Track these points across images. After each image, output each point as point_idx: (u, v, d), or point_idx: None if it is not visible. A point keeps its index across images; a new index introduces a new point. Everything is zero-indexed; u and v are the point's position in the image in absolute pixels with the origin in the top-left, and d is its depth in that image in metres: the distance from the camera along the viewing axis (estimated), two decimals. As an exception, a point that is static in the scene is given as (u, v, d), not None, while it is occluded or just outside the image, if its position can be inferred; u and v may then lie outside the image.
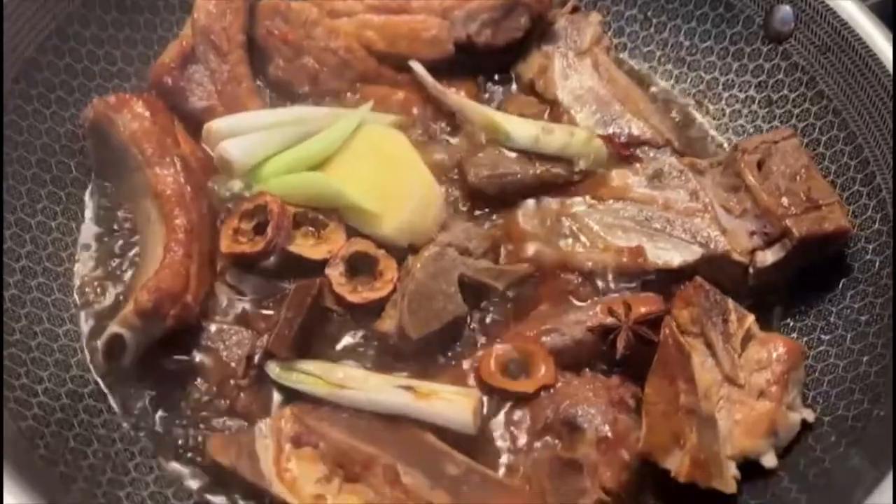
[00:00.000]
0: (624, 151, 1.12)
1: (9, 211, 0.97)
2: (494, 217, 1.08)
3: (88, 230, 1.04)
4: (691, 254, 1.01)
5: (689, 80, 1.26)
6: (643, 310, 0.95)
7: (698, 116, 1.24)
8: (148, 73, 1.12)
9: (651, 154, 1.11)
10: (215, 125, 1.04)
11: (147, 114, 1.04)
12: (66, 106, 1.08)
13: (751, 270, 1.01)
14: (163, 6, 1.17)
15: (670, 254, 1.01)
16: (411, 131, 1.15)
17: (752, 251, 1.01)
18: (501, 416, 0.91)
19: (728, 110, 1.23)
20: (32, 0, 1.03)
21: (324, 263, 0.98)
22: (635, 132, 1.13)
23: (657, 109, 1.19)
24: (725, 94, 1.23)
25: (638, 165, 1.10)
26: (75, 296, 0.99)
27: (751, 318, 0.93)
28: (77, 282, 1.00)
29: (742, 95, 1.22)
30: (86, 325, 0.97)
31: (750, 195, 1.02)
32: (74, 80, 1.09)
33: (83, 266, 1.01)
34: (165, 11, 1.18)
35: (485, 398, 0.92)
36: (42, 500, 0.69)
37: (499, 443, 0.90)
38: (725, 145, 1.20)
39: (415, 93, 1.20)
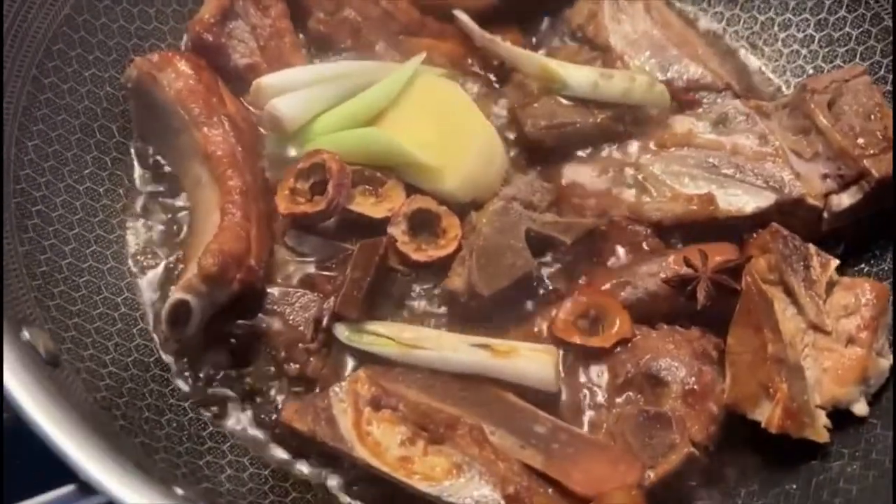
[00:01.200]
0: (685, 96, 1.08)
1: (58, 178, 0.94)
2: (556, 168, 1.04)
3: (137, 196, 1.01)
4: (764, 199, 0.97)
5: (741, 21, 1.22)
6: (720, 258, 0.92)
7: (753, 59, 1.19)
8: (186, 30, 1.08)
9: (713, 98, 1.08)
10: (263, 82, 1.00)
11: (192, 72, 1.00)
12: (105, 67, 1.03)
13: (825, 215, 0.97)
14: (197, -39, 1.12)
15: (742, 200, 0.98)
16: (461, 83, 1.11)
17: (827, 195, 0.98)
18: (580, 372, 0.89)
19: (786, 51, 1.18)
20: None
21: (385, 222, 0.95)
22: (695, 76, 1.10)
23: (714, 53, 1.15)
24: (782, 35, 1.19)
25: (700, 110, 1.06)
26: (130, 263, 0.96)
27: (835, 262, 0.90)
28: (131, 249, 0.96)
29: (800, 35, 1.17)
30: (144, 294, 0.94)
31: (822, 137, 0.98)
32: (111, 41, 1.05)
33: (135, 233, 0.98)
34: (200, -34, 1.12)
35: (560, 354, 0.89)
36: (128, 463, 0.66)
37: (579, 399, 0.87)
38: (784, 88, 1.16)
39: (461, 44, 1.15)
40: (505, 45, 1.11)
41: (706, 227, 0.99)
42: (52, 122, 0.95)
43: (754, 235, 0.96)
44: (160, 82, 0.99)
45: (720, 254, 0.93)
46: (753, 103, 1.05)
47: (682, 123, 1.05)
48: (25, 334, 0.71)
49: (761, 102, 1.06)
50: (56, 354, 0.75)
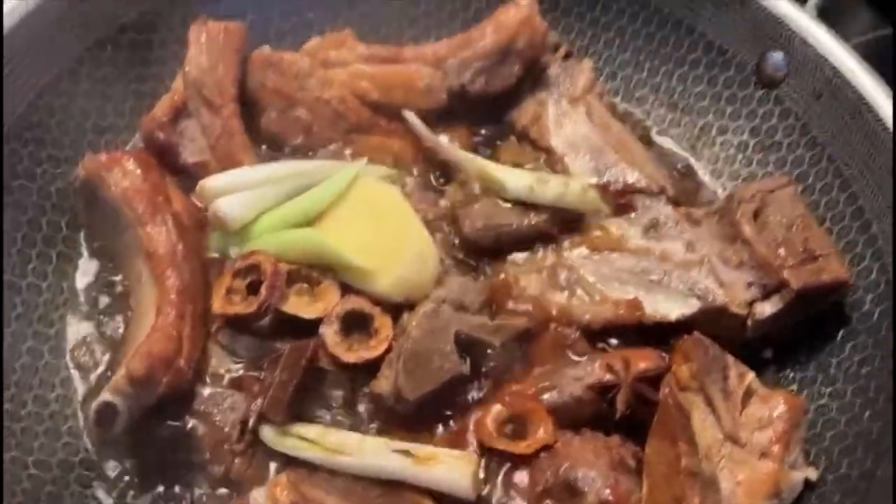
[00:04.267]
0: (619, 199, 1.11)
1: (-1, 273, 0.96)
2: (489, 269, 1.07)
3: (79, 290, 1.03)
4: (689, 307, 1.00)
5: (682, 124, 1.26)
6: (642, 366, 0.94)
7: (692, 161, 1.24)
8: (140, 127, 1.12)
9: (646, 203, 1.11)
10: (208, 183, 1.03)
11: (138, 171, 1.03)
12: (58, 163, 1.07)
13: (749, 322, 1.00)
14: (154, 59, 1.17)
15: (668, 307, 1.00)
16: (405, 182, 1.15)
17: (751, 303, 1.00)
18: (500, 479, 0.90)
19: (722, 155, 1.23)
20: (23, 58, 1.02)
21: (318, 322, 0.97)
22: (630, 180, 1.13)
23: (651, 157, 1.19)
24: (719, 140, 1.23)
25: (633, 215, 1.09)
26: (67, 358, 0.97)
27: (751, 374, 0.92)
28: (69, 344, 0.98)
29: (736, 141, 1.22)
30: (78, 389, 0.95)
31: (747, 246, 1.02)
32: (66, 137, 1.08)
33: (74, 328, 1.00)
34: (156, 65, 1.17)
35: (483, 460, 0.90)
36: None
37: (498, 506, 0.88)
38: (720, 192, 1.20)
39: (409, 142, 1.19)
40: (448, 147, 1.15)
41: (634, 331, 1.01)
42: (-2, 218, 0.98)
43: (680, 341, 0.98)
44: (107, 181, 1.02)
45: (644, 360, 0.95)
46: (684, 210, 1.09)
47: (615, 227, 1.09)
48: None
49: (692, 210, 1.09)
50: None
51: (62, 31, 1.06)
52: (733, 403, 0.90)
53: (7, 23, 1.00)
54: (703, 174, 1.23)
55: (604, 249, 1.06)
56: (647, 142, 1.24)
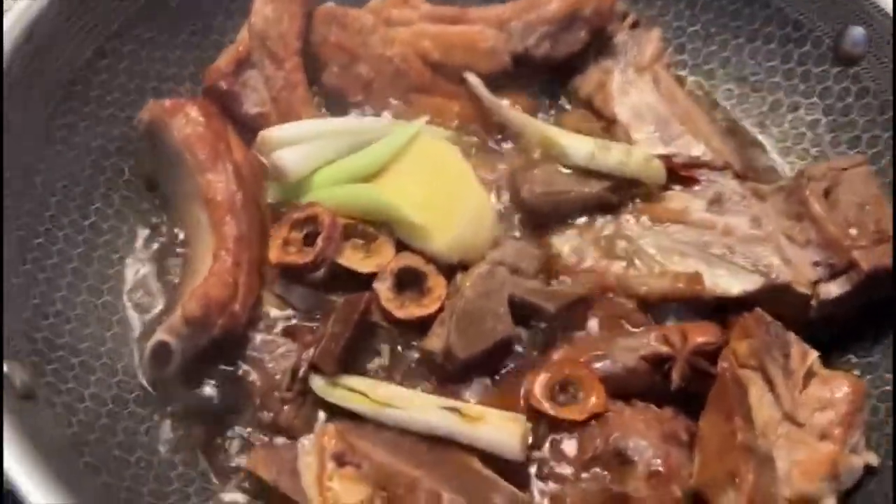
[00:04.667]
0: (683, 172, 1.08)
1: (63, 213, 0.98)
2: (547, 235, 1.05)
3: (140, 233, 1.05)
4: (751, 283, 0.97)
5: (751, 100, 1.23)
6: (700, 339, 0.92)
7: (760, 138, 1.20)
8: (203, 76, 1.12)
9: (711, 177, 1.08)
10: (269, 134, 1.03)
11: (201, 118, 1.03)
12: (122, 108, 1.08)
13: (813, 303, 0.97)
14: (221, 11, 1.17)
15: (729, 281, 0.98)
16: (465, 144, 1.14)
17: (816, 283, 0.97)
18: (548, 443, 0.89)
19: (792, 133, 1.19)
20: (94, 3, 1.03)
21: (372, 277, 0.97)
22: (695, 153, 1.10)
23: (718, 130, 1.16)
24: (790, 117, 1.19)
25: (697, 188, 1.07)
26: (125, 299, 0.99)
27: (814, 354, 0.89)
28: (127, 286, 0.99)
29: (808, 118, 1.18)
30: (134, 329, 0.97)
31: (815, 225, 0.98)
32: (131, 83, 1.09)
33: (133, 269, 1.01)
34: (223, 16, 1.17)
35: (531, 424, 0.89)
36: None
37: (545, 470, 0.87)
38: (788, 169, 1.16)
39: (469, 105, 1.18)
40: (510, 111, 1.14)
41: (692, 304, 0.99)
42: (63, 158, 0.99)
43: (741, 317, 0.96)
44: (170, 127, 1.03)
45: (701, 334, 0.93)
46: (750, 185, 1.06)
47: (677, 200, 1.06)
48: (4, 368, 0.74)
49: (758, 185, 1.06)
50: (32, 388, 0.78)
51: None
52: (794, 383, 0.88)
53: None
54: (772, 151, 1.19)
55: (665, 221, 1.04)
56: (714, 116, 1.20)
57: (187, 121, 1.03)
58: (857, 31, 1.11)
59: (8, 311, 0.83)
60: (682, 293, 0.98)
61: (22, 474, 0.66)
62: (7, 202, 0.89)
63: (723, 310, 0.97)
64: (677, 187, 1.07)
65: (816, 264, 0.98)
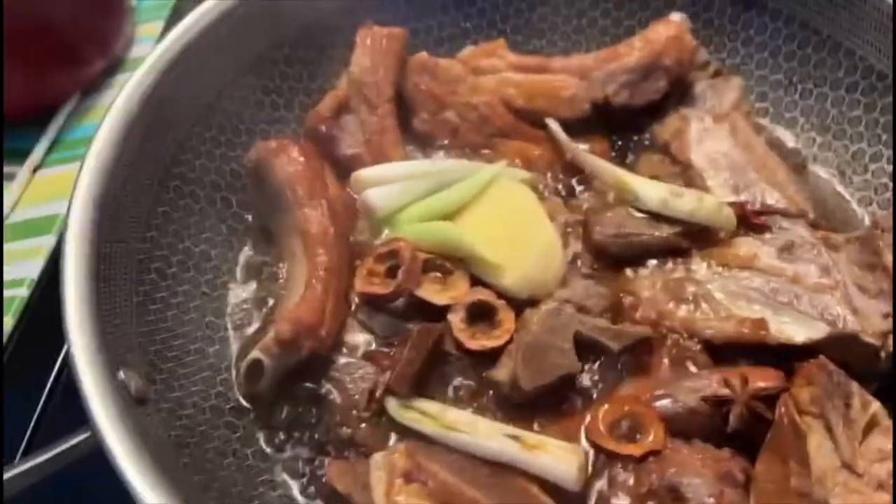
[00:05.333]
0: (755, 219, 1.10)
1: (178, 239, 1.10)
2: (616, 276, 1.10)
3: (243, 260, 1.16)
4: (817, 331, 0.98)
5: (833, 148, 1.23)
6: (761, 384, 0.94)
7: (840, 187, 1.20)
8: (305, 120, 1.24)
9: (783, 224, 1.09)
10: (362, 174, 1.13)
11: (301, 158, 1.14)
12: (234, 147, 1.21)
13: (882, 354, 0.97)
14: (325, 59, 1.29)
15: (795, 329, 0.99)
16: (541, 186, 1.20)
17: (886, 333, 0.97)
18: (607, 476, 0.93)
19: (874, 183, 1.19)
20: (214, 54, 1.16)
21: (447, 308, 1.04)
22: (769, 201, 1.12)
23: (794, 178, 1.17)
24: (872, 167, 1.20)
25: (768, 235, 1.09)
26: (226, 319, 1.10)
27: (876, 404, 0.90)
28: (229, 308, 1.11)
29: (890, 169, 1.18)
30: (233, 347, 1.07)
31: (886, 275, 0.99)
32: (242, 125, 1.22)
33: (235, 293, 1.13)
34: (326, 64, 1.29)
35: (590, 455, 0.94)
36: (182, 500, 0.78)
37: (601, 503, 0.91)
38: (867, 220, 1.16)
39: (549, 149, 1.25)
40: (586, 155, 1.20)
41: (756, 349, 1.01)
42: (182, 191, 1.12)
43: (804, 364, 0.97)
44: (274, 165, 1.14)
45: (763, 379, 0.95)
46: (822, 234, 1.07)
47: (748, 246, 1.08)
48: (121, 374, 0.85)
49: (831, 234, 1.07)
50: (144, 394, 0.89)
51: (248, 31, 1.20)
52: (854, 432, 0.88)
53: (200, 23, 1.15)
54: (851, 201, 1.20)
55: (734, 267, 1.06)
56: (794, 166, 1.22)
57: (289, 160, 1.14)
58: (944, 83, 1.11)
59: (128, 325, 0.95)
60: (747, 338, 1.00)
61: (133, 469, 0.76)
62: (130, 229, 1.02)
63: (787, 356, 0.99)
64: (749, 233, 1.09)
65: (887, 315, 0.98)
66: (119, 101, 1.04)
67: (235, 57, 1.19)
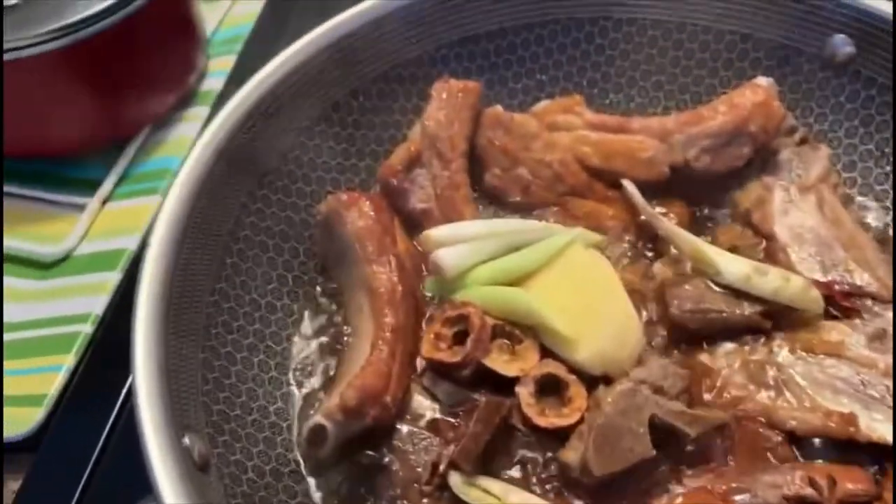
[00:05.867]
0: (844, 302, 1.05)
1: (245, 290, 1.09)
2: (691, 353, 1.05)
3: (307, 314, 1.14)
4: (912, 432, 0.93)
5: (928, 224, 1.17)
6: (850, 486, 0.88)
7: (935, 269, 1.14)
8: (377, 170, 1.22)
9: (875, 309, 1.04)
10: (433, 234, 1.11)
11: (372, 213, 1.12)
12: (304, 196, 1.19)
13: (984, 460, 0.91)
14: (397, 109, 1.27)
15: (887, 427, 0.93)
16: (616, 251, 1.16)
17: None
18: (678, 572, 0.88)
19: (972, 266, 1.12)
20: (291, 102, 1.15)
21: (515, 379, 1.00)
22: (858, 282, 1.07)
23: (887, 259, 1.11)
24: (971, 249, 1.13)
25: (857, 321, 1.03)
26: (290, 375, 1.08)
27: (978, 522, 0.84)
28: (293, 363, 1.09)
29: None
30: (296, 405, 1.05)
31: None
32: (314, 173, 1.21)
33: (299, 347, 1.11)
34: (398, 114, 1.27)
35: (662, 549, 0.89)
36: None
37: None
38: (967, 305, 1.10)
39: (623, 211, 1.21)
40: (664, 222, 1.15)
41: (844, 445, 0.95)
42: (251, 241, 1.11)
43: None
44: (344, 219, 1.12)
45: (851, 480, 0.89)
46: (918, 323, 1.01)
47: (835, 331, 1.03)
48: (186, 440, 0.83)
49: (927, 324, 1.01)
50: (208, 459, 0.87)
51: (323, 78, 1.19)
52: (952, 548, 0.82)
53: (279, 72, 1.14)
54: (948, 284, 1.13)
55: (820, 353, 1.01)
56: (884, 242, 1.16)
57: (360, 214, 1.12)
58: None
59: (193, 383, 0.93)
60: (834, 433, 0.95)
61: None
62: (200, 282, 1.01)
63: (877, 454, 0.93)
64: (836, 317, 1.04)
65: None
66: (193, 153, 1.03)
67: (311, 105, 1.18)
